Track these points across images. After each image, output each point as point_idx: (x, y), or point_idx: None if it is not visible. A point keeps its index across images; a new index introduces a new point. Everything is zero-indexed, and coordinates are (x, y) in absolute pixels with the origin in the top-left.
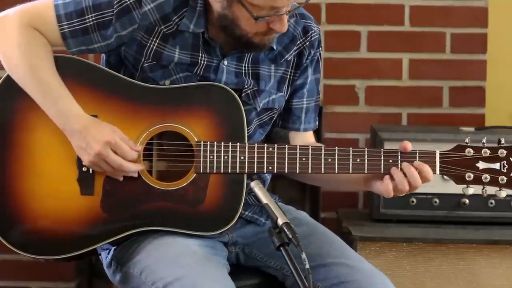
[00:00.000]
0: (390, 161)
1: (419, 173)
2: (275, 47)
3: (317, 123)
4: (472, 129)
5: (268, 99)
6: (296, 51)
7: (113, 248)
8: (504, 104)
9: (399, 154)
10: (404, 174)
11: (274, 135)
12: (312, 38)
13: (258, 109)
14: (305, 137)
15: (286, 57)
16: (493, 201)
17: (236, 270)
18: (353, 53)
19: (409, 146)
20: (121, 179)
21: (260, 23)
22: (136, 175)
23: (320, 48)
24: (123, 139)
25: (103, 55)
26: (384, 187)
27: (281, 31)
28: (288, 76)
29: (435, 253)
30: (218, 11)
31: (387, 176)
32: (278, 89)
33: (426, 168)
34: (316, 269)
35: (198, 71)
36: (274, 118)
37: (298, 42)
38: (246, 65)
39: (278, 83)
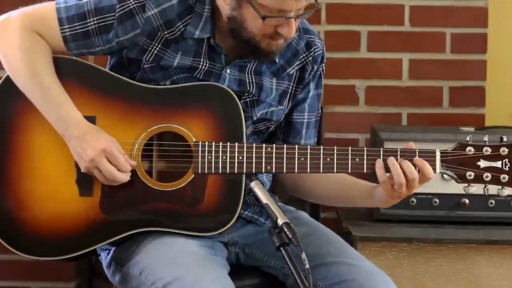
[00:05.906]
0: None
1: (419, 171)
2: (277, 61)
3: (316, 139)
4: (472, 129)
5: (267, 110)
6: (299, 66)
7: (112, 249)
8: (504, 104)
9: (398, 152)
10: (401, 167)
11: None
12: (315, 54)
13: (255, 118)
14: None
15: (288, 71)
16: (493, 201)
17: (236, 270)
18: (353, 53)
19: (413, 146)
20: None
21: (267, 25)
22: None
23: (323, 64)
24: (120, 151)
25: (108, 56)
26: (381, 183)
27: (289, 36)
28: (290, 90)
29: (435, 253)
30: (226, 14)
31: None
32: (279, 102)
33: (427, 166)
34: (317, 268)
35: (198, 75)
36: (271, 129)
37: (301, 57)
38: (249, 75)
39: (280, 97)
